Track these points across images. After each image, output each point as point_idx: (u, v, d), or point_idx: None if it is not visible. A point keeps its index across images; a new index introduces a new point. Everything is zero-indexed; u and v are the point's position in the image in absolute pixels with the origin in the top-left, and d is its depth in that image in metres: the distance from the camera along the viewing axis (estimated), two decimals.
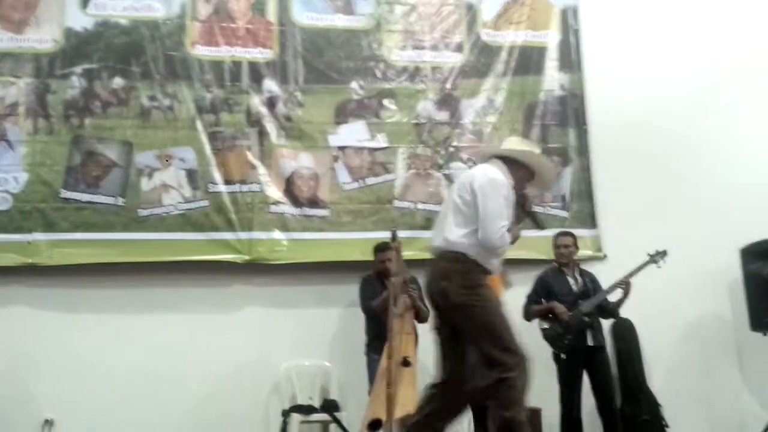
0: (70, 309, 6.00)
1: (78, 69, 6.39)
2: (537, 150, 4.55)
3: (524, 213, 4.28)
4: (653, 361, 6.30)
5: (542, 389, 5.42)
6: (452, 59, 6.92)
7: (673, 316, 6.45)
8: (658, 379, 6.27)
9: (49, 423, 5.73)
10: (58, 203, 6.12)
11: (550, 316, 5.65)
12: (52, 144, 6.22)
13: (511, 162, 4.23)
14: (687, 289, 6.34)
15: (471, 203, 4.03)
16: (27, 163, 6.15)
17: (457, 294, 3.96)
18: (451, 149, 6.72)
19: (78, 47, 6.43)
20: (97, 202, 6.16)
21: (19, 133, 6.20)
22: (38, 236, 6.03)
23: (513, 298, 5.71)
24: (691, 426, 6.04)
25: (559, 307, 5.60)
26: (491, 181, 4.05)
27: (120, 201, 6.20)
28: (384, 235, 5.79)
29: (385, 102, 6.76)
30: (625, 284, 5.65)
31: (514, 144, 4.46)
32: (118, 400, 5.79)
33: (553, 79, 7.00)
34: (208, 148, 6.39)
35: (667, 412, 5.92)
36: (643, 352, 6.28)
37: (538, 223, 4.38)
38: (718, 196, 6.68)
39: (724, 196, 6.66)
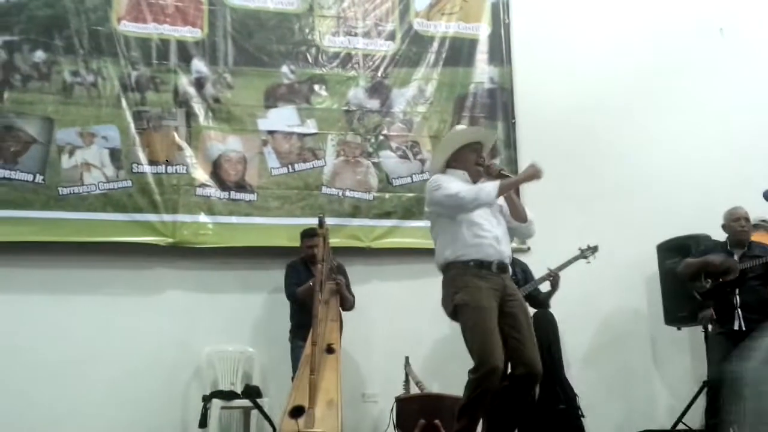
0: None
1: None
2: (457, 128, 4.62)
3: (495, 178, 4.24)
4: (571, 352, 6.44)
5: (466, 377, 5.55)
6: (384, 47, 6.92)
7: (592, 308, 6.61)
8: (576, 369, 6.42)
9: None
10: None
11: None
12: None
13: (450, 160, 4.33)
14: (606, 283, 6.48)
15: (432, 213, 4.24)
16: None
17: None
18: (381, 137, 6.73)
19: None
20: (14, 179, 5.94)
21: None
22: None
23: (431, 286, 5.78)
24: (606, 415, 6.22)
25: None
26: (430, 184, 4.25)
27: (39, 178, 5.99)
28: (311, 221, 5.77)
29: (316, 87, 6.71)
30: (553, 276, 5.72)
31: (441, 145, 4.60)
32: (33, 384, 5.62)
33: (483, 71, 7.06)
34: (132, 127, 6.23)
35: (583, 402, 6.06)
36: (561, 343, 6.41)
37: (520, 182, 4.40)
38: (639, 193, 6.87)
39: (644, 193, 6.86)
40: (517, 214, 4.26)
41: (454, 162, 4.34)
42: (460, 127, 5.07)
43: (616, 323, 6.73)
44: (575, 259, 5.83)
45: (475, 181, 4.28)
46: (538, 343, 5.92)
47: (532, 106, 6.98)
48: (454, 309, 4.10)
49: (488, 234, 4.11)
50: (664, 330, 6.57)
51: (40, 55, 6.21)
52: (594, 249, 5.88)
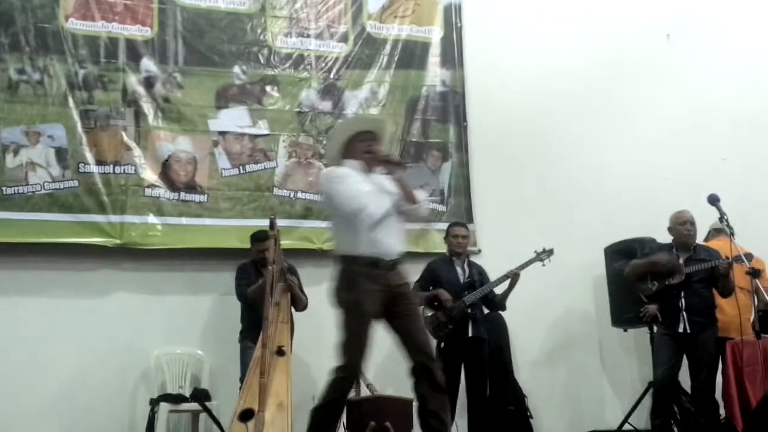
0: None
1: None
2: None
3: (383, 164, 4.29)
4: (521, 353, 6.51)
5: None
6: (337, 49, 6.91)
7: (542, 310, 6.68)
8: (525, 370, 6.48)
9: None
10: None
11: (435, 303, 5.71)
12: None
13: (344, 151, 4.35)
14: (554, 285, 6.53)
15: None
16: None
17: None
18: None
19: None
20: None
21: None
22: None
23: None
24: (554, 416, 6.29)
25: (444, 294, 5.67)
26: (328, 174, 4.31)
27: None
28: (263, 223, 5.72)
29: (268, 88, 6.68)
30: (513, 275, 5.73)
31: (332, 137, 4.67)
32: None
33: (435, 74, 7.10)
34: (79, 126, 6.12)
35: (532, 403, 6.13)
36: (512, 344, 6.47)
37: (398, 164, 4.39)
38: (587, 197, 6.98)
39: (592, 197, 6.97)
40: (407, 197, 4.27)
41: (347, 153, 4.36)
42: (348, 120, 5.10)
43: (565, 325, 6.81)
44: (531, 261, 5.86)
45: (369, 169, 4.30)
46: (488, 346, 6.04)
47: (483, 109, 7.04)
48: (338, 304, 4.20)
49: (382, 230, 4.15)
50: (611, 332, 6.68)
51: None
52: (549, 252, 5.93)
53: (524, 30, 7.35)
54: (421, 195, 4.38)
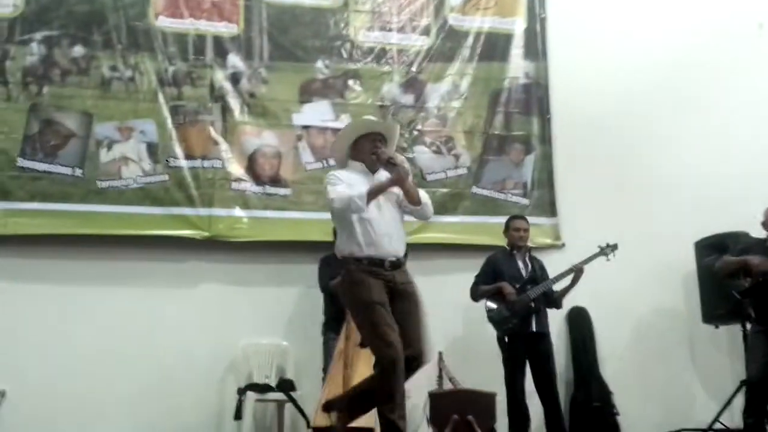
0: (23, 279, 5.87)
1: (38, 35, 6.24)
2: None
3: (385, 166, 4.21)
4: (607, 350, 6.39)
5: (500, 374, 5.54)
6: (419, 42, 6.91)
7: (629, 306, 6.53)
8: (611, 367, 6.36)
9: (0, 394, 5.63)
10: (15, 172, 5.99)
11: (498, 297, 5.67)
12: (9, 111, 6.09)
13: (350, 152, 4.37)
14: (643, 281, 6.43)
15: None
16: None
17: None
18: (415, 133, 6.73)
19: (38, 13, 6.27)
20: (54, 172, 6.04)
21: None
22: None
23: (465, 282, 5.79)
24: (641, 414, 6.15)
25: (507, 288, 5.61)
26: (327, 178, 4.30)
27: (78, 172, 6.09)
28: None
29: (350, 83, 6.73)
30: (577, 270, 5.65)
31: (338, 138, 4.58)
32: (69, 373, 5.70)
33: (518, 66, 7.02)
34: (169, 121, 6.30)
35: (619, 400, 6.02)
36: (597, 341, 6.37)
37: (397, 167, 4.22)
38: (676, 190, 6.79)
39: (682, 190, 6.77)
40: (410, 199, 4.24)
41: (353, 153, 4.37)
42: (352, 122, 5.08)
43: (653, 321, 6.64)
44: (595, 256, 5.75)
45: (372, 170, 4.30)
46: (572, 342, 5.96)
47: (567, 101, 6.93)
48: (347, 304, 4.28)
49: (381, 232, 4.15)
50: (702, 329, 6.49)
51: (78, 50, 6.30)
52: (614, 247, 5.80)
53: (609, 20, 7.20)
54: (424, 196, 4.36)
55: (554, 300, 5.78)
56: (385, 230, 4.17)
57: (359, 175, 4.27)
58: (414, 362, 4.11)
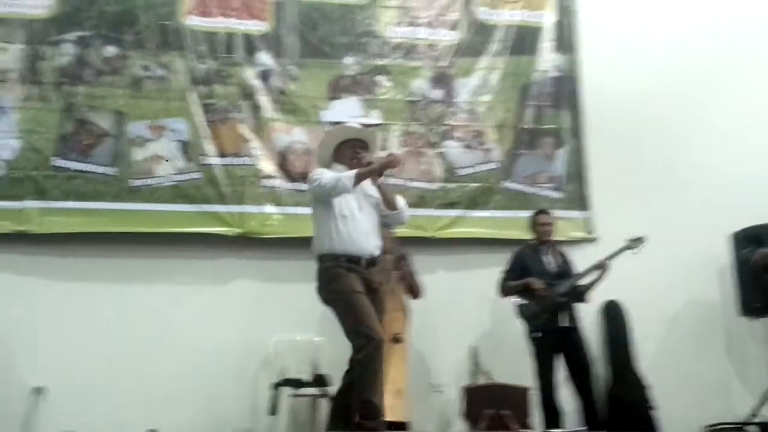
0: (59, 277, 5.95)
1: (70, 36, 6.33)
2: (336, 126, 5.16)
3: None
4: (642, 343, 6.32)
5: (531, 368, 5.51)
6: (448, 37, 6.89)
7: (664, 299, 6.45)
8: (647, 361, 6.30)
9: (38, 391, 5.70)
10: (50, 171, 6.07)
11: (526, 293, 5.63)
12: (44, 111, 6.17)
13: (334, 156, 4.59)
14: (677, 273, 6.36)
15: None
16: (19, 130, 6.11)
17: None
18: (445, 128, 6.71)
19: (70, 14, 6.36)
20: (88, 171, 6.12)
21: (11, 99, 6.15)
22: (29, 204, 5.98)
23: (497, 276, 5.76)
24: (678, 407, 6.06)
25: (536, 283, 5.57)
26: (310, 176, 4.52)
27: (111, 171, 6.16)
28: None
29: (379, 78, 6.73)
30: (602, 266, 5.60)
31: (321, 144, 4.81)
32: (106, 369, 5.74)
33: (548, 59, 6.99)
34: (201, 119, 6.34)
35: (655, 394, 5.96)
36: (632, 335, 6.31)
37: (377, 170, 4.41)
38: (710, 181, 6.70)
39: (716, 181, 6.68)
40: (387, 203, 4.48)
41: (336, 158, 4.59)
42: (333, 129, 5.26)
43: (689, 314, 6.56)
44: (621, 250, 5.67)
45: None
46: (607, 336, 5.92)
47: (598, 94, 6.86)
48: (327, 298, 4.39)
49: (359, 229, 4.35)
50: (738, 322, 6.40)
51: (111, 50, 6.37)
52: (640, 240, 5.72)
53: (639, 11, 7.13)
54: (400, 201, 4.54)
55: (579, 294, 5.73)
56: (363, 229, 4.37)
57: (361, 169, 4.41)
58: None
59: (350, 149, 4.53)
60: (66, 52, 6.29)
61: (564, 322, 5.57)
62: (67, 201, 6.03)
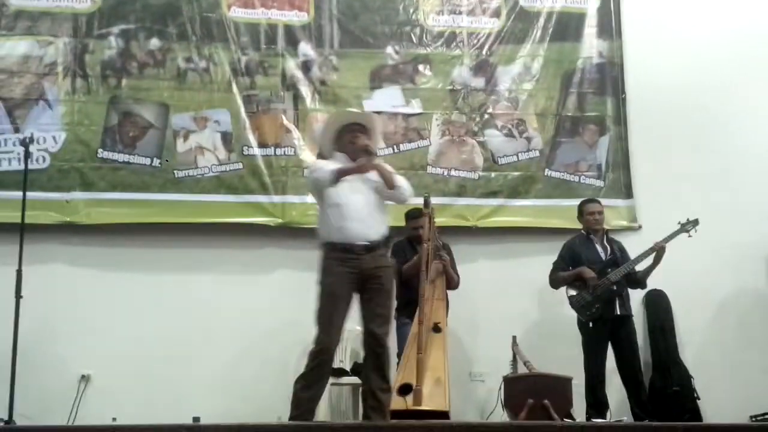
0: (106, 267, 6.08)
1: (115, 29, 6.43)
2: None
3: (362, 153, 4.37)
4: (687, 333, 6.25)
5: (575, 357, 5.48)
6: (489, 24, 6.85)
7: (708, 287, 6.37)
8: (691, 351, 6.22)
9: (85, 378, 5.84)
10: (96, 163, 6.19)
11: (578, 283, 5.61)
12: (89, 104, 6.29)
13: (334, 143, 4.53)
14: (723, 261, 6.27)
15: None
16: (65, 122, 6.23)
17: None
18: (486, 116, 6.68)
19: (115, 7, 6.46)
20: (133, 163, 6.23)
21: (58, 92, 6.26)
22: (76, 195, 6.11)
23: (538, 265, 5.73)
24: (723, 398, 6.00)
25: (588, 272, 5.56)
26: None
27: (156, 162, 6.26)
28: (417, 201, 5.76)
29: (420, 67, 6.72)
30: (658, 249, 5.53)
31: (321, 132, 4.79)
32: (152, 357, 5.85)
33: (591, 46, 6.91)
34: (243, 111, 6.41)
35: (699, 385, 5.89)
36: (676, 324, 6.23)
37: (369, 156, 4.40)
38: (756, 167, 6.59)
39: (762, 168, 6.56)
40: (386, 183, 4.41)
41: (337, 145, 4.52)
42: (331, 116, 5.19)
43: (734, 303, 6.45)
44: (676, 233, 5.62)
45: (354, 160, 4.41)
46: (650, 326, 5.85)
47: (643, 80, 6.77)
48: (318, 286, 4.36)
49: (350, 216, 4.31)
50: None
51: (155, 42, 6.46)
52: (695, 222, 5.66)
53: None
54: (399, 180, 4.49)
55: (637, 280, 5.69)
56: (356, 215, 4.32)
57: (331, 164, 4.43)
58: (369, 338, 4.37)
59: (348, 134, 4.48)
60: (111, 45, 6.40)
61: (619, 310, 5.55)
62: (113, 192, 6.16)
